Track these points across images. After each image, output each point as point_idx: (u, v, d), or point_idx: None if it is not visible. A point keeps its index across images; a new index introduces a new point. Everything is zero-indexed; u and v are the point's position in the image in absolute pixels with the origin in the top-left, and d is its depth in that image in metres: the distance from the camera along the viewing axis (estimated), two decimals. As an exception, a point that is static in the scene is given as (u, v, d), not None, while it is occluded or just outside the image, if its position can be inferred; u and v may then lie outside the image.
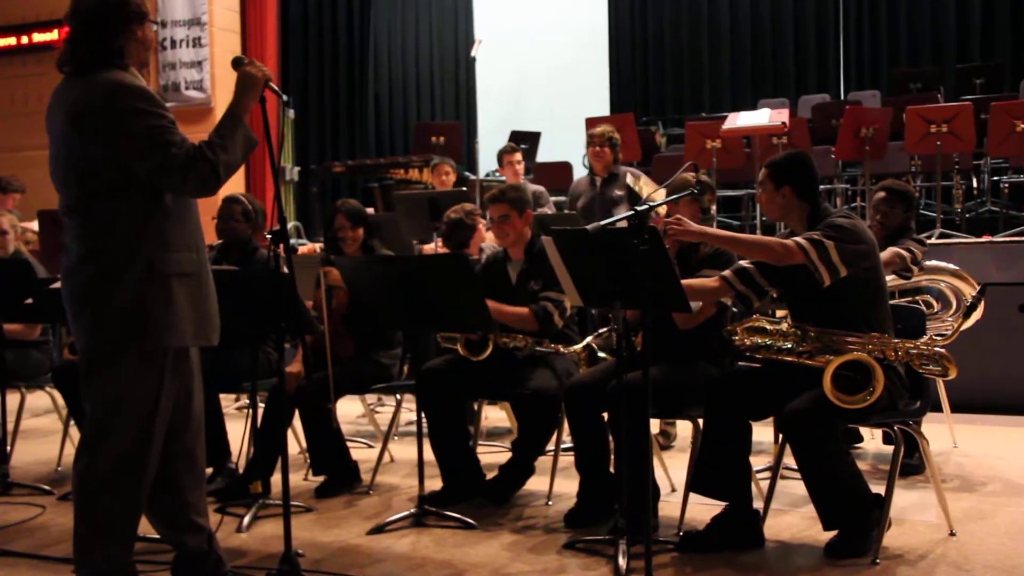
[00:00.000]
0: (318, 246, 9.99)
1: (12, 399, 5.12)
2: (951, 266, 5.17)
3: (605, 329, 4.51)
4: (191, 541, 3.21)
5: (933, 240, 7.04)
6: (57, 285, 4.34)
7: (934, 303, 5.14)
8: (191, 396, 3.17)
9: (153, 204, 2.97)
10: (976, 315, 4.97)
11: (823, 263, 3.55)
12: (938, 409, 5.16)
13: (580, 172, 10.25)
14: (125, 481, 3.00)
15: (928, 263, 5.10)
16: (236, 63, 3.13)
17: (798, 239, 3.60)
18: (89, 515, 3.00)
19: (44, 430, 6.29)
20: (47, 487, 4.77)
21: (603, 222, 3.29)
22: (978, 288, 5.00)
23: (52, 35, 10.99)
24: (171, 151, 2.88)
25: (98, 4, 2.99)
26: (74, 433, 5.11)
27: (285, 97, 3.41)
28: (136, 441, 2.99)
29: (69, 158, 2.97)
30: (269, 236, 3.46)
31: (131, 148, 2.89)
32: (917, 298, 5.01)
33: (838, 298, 3.62)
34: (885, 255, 4.71)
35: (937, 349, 3.56)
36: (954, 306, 5.12)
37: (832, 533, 3.61)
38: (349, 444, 4.89)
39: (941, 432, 5.33)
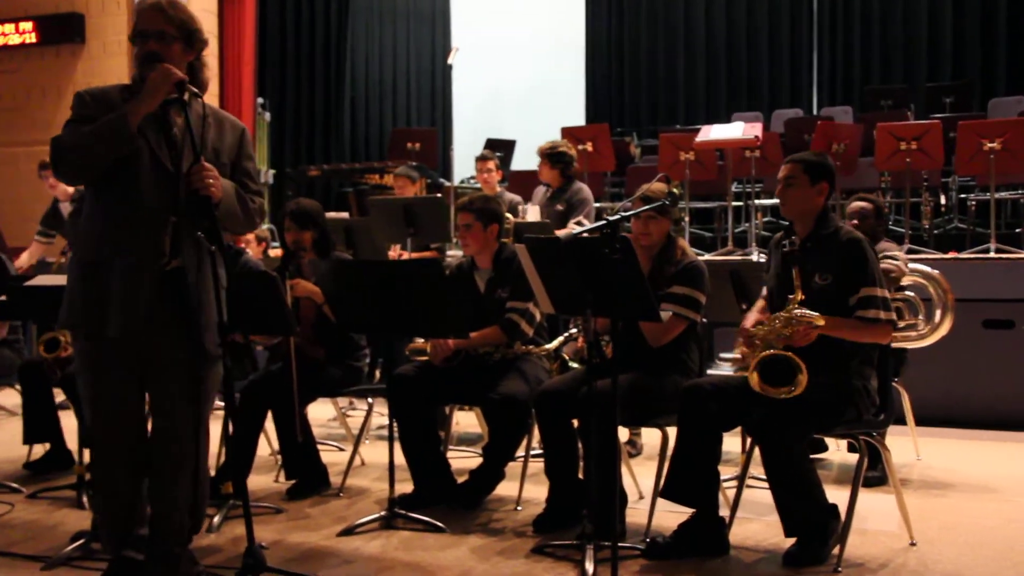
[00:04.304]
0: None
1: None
2: (934, 272, 5.29)
3: (574, 330, 4.57)
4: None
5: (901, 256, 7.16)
6: (31, 282, 4.37)
7: (906, 314, 5.24)
8: (130, 400, 3.27)
9: (93, 197, 3.25)
10: (943, 331, 5.11)
11: (889, 310, 3.69)
12: (902, 422, 5.25)
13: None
14: (94, 469, 3.38)
15: (913, 265, 5.25)
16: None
17: (869, 315, 3.64)
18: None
19: (13, 428, 6.25)
20: (15, 485, 4.76)
21: (576, 231, 3.34)
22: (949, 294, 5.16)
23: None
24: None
25: None
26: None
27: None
28: (92, 428, 3.28)
29: None
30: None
31: None
32: (896, 305, 5.13)
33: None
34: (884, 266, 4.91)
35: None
36: (921, 313, 5.23)
37: (792, 541, 3.67)
38: (320, 447, 4.91)
39: (905, 444, 5.42)
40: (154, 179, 3.15)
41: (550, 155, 6.59)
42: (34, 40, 10.88)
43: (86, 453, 4.50)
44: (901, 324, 5.13)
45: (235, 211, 3.27)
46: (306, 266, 4.90)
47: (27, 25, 10.89)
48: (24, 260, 7.21)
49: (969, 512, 4.44)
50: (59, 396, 5.21)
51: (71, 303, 3.22)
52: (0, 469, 5.16)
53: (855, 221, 5.22)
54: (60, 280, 4.23)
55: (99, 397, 3.23)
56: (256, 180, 3.43)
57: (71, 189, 7.45)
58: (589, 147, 8.85)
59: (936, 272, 5.29)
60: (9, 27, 10.93)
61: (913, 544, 3.88)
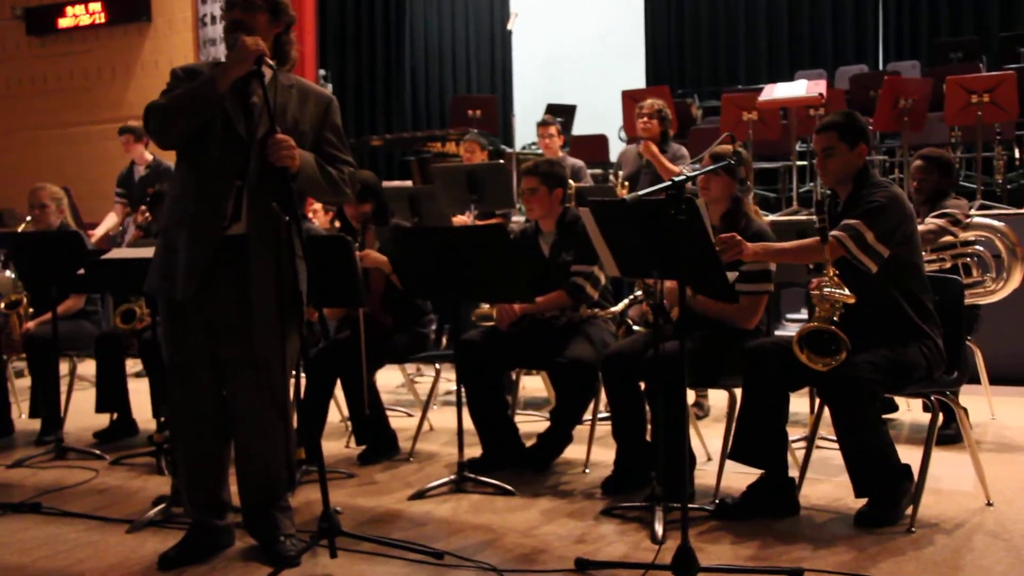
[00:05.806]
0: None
1: (63, 367, 5.27)
2: (999, 224, 5.15)
3: (639, 292, 4.57)
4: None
5: (973, 211, 6.99)
6: (107, 255, 4.48)
7: (974, 270, 5.12)
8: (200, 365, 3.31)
9: (180, 161, 3.38)
10: (1014, 284, 4.98)
11: (863, 252, 3.59)
12: (976, 381, 5.16)
13: (616, 144, 10.26)
14: (173, 433, 3.60)
15: (977, 220, 5.11)
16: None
17: (835, 233, 3.61)
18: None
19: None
20: (99, 452, 4.91)
21: (639, 192, 3.32)
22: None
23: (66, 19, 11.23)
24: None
25: None
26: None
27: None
28: (170, 392, 3.40)
29: None
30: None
31: None
32: (962, 261, 5.02)
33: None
34: (923, 228, 4.74)
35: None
36: (993, 270, 5.11)
37: (863, 502, 3.64)
38: (389, 413, 4.97)
39: (979, 403, 5.33)
40: (224, 145, 3.20)
41: (661, 113, 6.52)
42: (102, 20, 11.11)
43: (162, 421, 4.65)
44: (968, 281, 5.02)
45: (316, 180, 3.30)
46: (371, 236, 4.95)
47: (96, 6, 11.12)
48: (112, 222, 7.71)
49: (1046, 471, 4.36)
50: (134, 367, 5.36)
51: (151, 267, 3.33)
52: (84, 437, 5.33)
53: (915, 183, 5.13)
54: (133, 253, 4.35)
55: (175, 361, 3.31)
56: (344, 149, 3.45)
57: (148, 156, 7.69)
58: (650, 109, 8.74)
59: (1001, 224, 5.14)
60: (79, 8, 11.17)
61: (990, 504, 3.82)
